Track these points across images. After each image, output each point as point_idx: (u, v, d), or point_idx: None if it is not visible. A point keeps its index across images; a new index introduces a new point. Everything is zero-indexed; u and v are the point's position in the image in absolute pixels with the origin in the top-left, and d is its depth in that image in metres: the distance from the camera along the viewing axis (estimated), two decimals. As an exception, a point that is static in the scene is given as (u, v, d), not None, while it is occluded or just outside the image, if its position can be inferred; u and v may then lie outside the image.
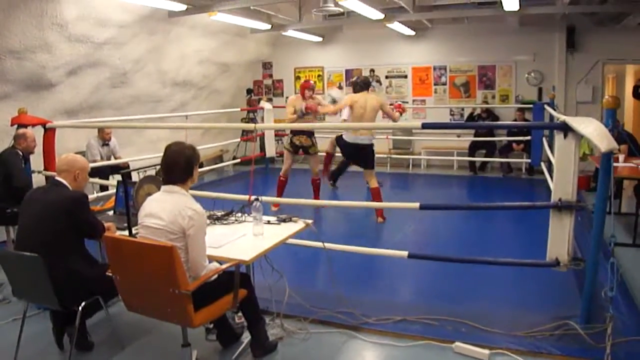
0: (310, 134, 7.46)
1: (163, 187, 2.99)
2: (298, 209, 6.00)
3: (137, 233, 3.17)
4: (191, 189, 3.09)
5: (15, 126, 5.58)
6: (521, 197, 8.45)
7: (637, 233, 5.52)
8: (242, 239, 3.40)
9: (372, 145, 6.88)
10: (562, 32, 10.00)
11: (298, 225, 3.73)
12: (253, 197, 3.90)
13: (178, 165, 2.95)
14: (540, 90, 10.50)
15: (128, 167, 7.65)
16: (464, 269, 4.65)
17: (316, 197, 7.36)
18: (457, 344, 3.46)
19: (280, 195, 7.39)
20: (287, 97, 12.32)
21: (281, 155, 11.85)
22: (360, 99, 6.65)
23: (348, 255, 4.62)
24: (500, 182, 9.83)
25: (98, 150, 7.73)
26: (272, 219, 3.79)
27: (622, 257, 4.96)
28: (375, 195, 6.77)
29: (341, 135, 6.97)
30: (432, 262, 4.66)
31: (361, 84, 6.81)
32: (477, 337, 3.58)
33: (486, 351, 3.35)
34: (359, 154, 6.84)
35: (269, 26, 9.38)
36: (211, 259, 3.02)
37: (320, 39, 11.72)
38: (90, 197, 6.33)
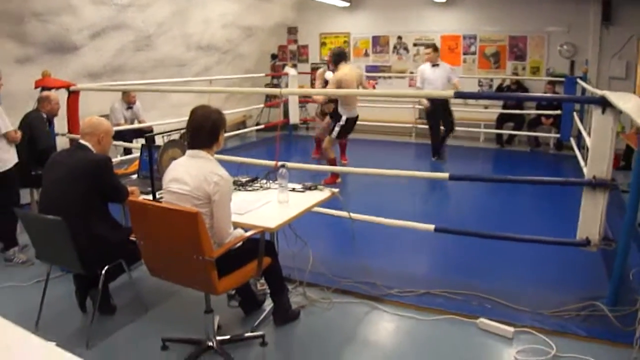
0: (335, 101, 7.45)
1: (188, 152, 2.92)
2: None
3: (161, 197, 3.14)
4: (215, 154, 3.02)
5: (39, 89, 5.55)
6: (549, 172, 8.29)
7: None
8: (267, 206, 3.35)
9: None
10: (597, 3, 9.60)
11: (324, 193, 3.66)
12: (279, 164, 3.84)
13: (204, 130, 2.87)
14: (572, 64, 10.16)
15: (152, 131, 7.62)
16: (489, 244, 4.54)
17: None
18: (482, 319, 3.40)
19: (319, 147, 7.95)
20: (312, 64, 12.26)
21: (305, 121, 11.89)
22: (345, 75, 6.63)
23: (371, 225, 4.55)
24: (528, 156, 9.64)
25: (122, 114, 7.72)
26: (298, 186, 3.73)
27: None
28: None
29: (333, 115, 7.15)
30: (456, 236, 4.58)
31: (337, 58, 6.81)
32: (502, 313, 3.52)
33: (511, 328, 3.28)
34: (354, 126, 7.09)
35: (295, -10, 9.21)
36: (235, 225, 2.97)
37: (348, 4, 11.46)
38: (114, 160, 6.35)
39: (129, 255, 3.28)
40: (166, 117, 8.37)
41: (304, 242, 3.90)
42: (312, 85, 10.63)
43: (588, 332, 3.30)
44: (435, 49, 8.46)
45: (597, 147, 3.52)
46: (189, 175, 2.79)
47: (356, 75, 6.77)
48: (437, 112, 8.47)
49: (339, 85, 6.54)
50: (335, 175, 6.93)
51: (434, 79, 8.22)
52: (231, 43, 10.69)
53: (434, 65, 8.29)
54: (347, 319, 3.55)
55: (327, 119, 7.82)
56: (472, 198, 6.62)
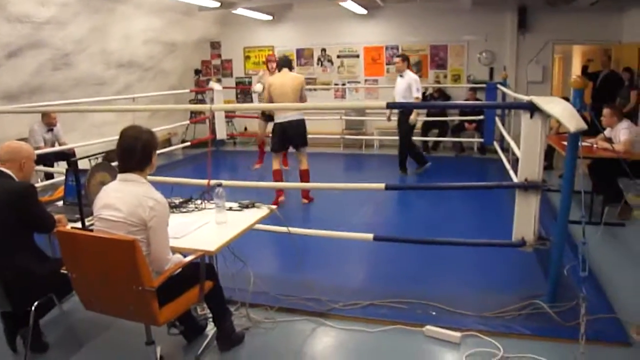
0: None
1: (119, 176, 2.78)
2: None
3: (90, 225, 2.97)
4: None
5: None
6: (475, 176, 8.54)
7: (592, 211, 5.60)
8: (205, 228, 3.24)
9: (303, 121, 6.62)
10: (513, 12, 10.10)
11: (262, 211, 3.59)
12: (215, 182, 3.72)
13: (135, 152, 2.73)
14: (491, 70, 10.59)
15: (74, 153, 7.32)
16: (428, 251, 4.62)
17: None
18: (428, 327, 3.42)
19: (262, 151, 8.76)
20: (236, 78, 12.17)
21: (232, 137, 11.77)
22: (276, 80, 6.52)
23: (311, 239, 4.51)
24: (454, 161, 9.91)
25: (42, 136, 7.36)
26: (234, 205, 3.64)
27: (579, 235, 5.03)
28: (305, 176, 6.67)
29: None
30: (396, 245, 4.61)
31: (280, 63, 6.74)
32: (447, 319, 3.56)
33: (457, 334, 3.32)
34: (292, 132, 6.52)
35: (217, 4, 9.10)
36: (173, 250, 2.84)
37: (271, 17, 11.46)
38: (37, 186, 6.02)
39: (59, 288, 3.09)
40: (87, 138, 8.06)
41: (243, 262, 3.80)
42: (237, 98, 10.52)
43: (532, 331, 3.39)
44: (403, 59, 8.15)
45: (527, 151, 3.66)
46: (122, 200, 2.65)
47: (290, 81, 6.47)
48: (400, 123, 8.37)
49: (268, 88, 6.50)
50: (279, 192, 6.66)
51: (396, 89, 8.08)
52: (153, 59, 10.43)
53: (400, 75, 8.06)
54: (293, 337, 3.47)
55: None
56: (407, 205, 6.71)
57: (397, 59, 8.24)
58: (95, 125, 9.14)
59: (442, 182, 7.62)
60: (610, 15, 9.57)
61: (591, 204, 5.66)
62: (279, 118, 6.51)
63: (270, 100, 6.48)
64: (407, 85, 7.89)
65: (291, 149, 6.88)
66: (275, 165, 6.67)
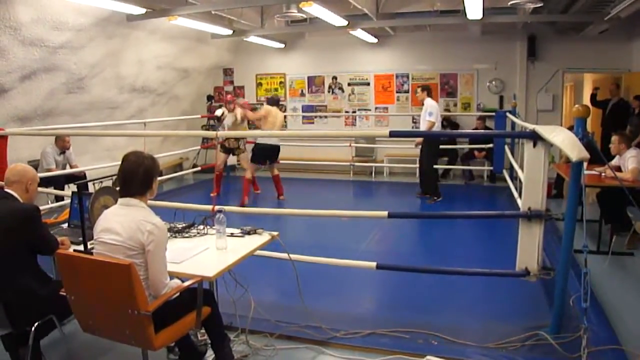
0: (237, 138, 8.97)
1: (120, 200, 2.81)
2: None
3: (92, 248, 2.99)
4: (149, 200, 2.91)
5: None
6: (484, 204, 8.50)
7: (600, 240, 5.55)
8: (205, 253, 3.25)
9: (279, 146, 8.65)
10: (523, 41, 10.18)
11: (263, 237, 3.59)
12: (217, 208, 3.74)
13: (136, 177, 2.76)
14: (501, 99, 10.62)
15: (84, 176, 7.40)
16: (432, 279, 4.59)
17: (255, 188, 9.33)
18: (429, 357, 3.36)
19: (218, 187, 9.14)
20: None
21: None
22: (272, 110, 8.27)
23: (314, 266, 4.49)
24: (463, 189, 9.88)
25: (53, 159, 7.43)
26: (236, 231, 3.64)
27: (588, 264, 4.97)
28: (276, 179, 8.71)
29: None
30: (399, 273, 4.59)
31: (271, 101, 8.51)
32: (449, 350, 3.51)
33: (458, 365, 3.27)
34: (273, 154, 8.48)
35: (230, 31, 9.23)
36: (172, 275, 2.85)
37: (283, 45, 11.60)
38: (45, 207, 6.07)
39: (60, 310, 3.08)
40: (99, 161, 8.15)
41: (244, 288, 3.79)
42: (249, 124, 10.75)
43: (534, 363, 3.33)
44: (423, 89, 8.35)
45: (530, 180, 3.62)
46: (121, 224, 2.67)
47: (280, 115, 8.52)
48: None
49: (266, 114, 8.22)
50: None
51: (421, 117, 8.34)
52: (166, 85, 10.56)
53: (423, 104, 8.25)
54: (292, 365, 3.44)
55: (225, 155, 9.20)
56: (410, 232, 6.68)
57: (418, 90, 8.52)
58: (107, 149, 9.25)
59: (451, 209, 7.64)
60: (619, 44, 9.62)
61: (599, 233, 5.61)
62: (267, 141, 8.27)
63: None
64: (425, 111, 8.11)
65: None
66: (252, 174, 8.52)
